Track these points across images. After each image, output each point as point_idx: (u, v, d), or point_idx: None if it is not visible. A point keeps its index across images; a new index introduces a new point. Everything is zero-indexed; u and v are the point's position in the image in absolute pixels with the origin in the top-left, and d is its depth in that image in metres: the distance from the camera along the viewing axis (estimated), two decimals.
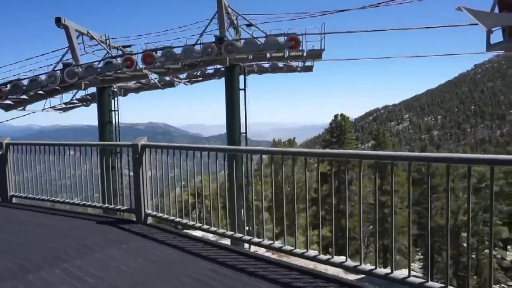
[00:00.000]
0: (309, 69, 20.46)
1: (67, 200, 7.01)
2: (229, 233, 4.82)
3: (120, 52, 18.48)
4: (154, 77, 19.39)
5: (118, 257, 4.36)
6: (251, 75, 22.16)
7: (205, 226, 5.07)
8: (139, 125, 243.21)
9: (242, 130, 18.39)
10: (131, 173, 6.16)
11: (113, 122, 19.32)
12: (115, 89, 19.77)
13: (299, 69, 20.39)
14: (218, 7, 16.06)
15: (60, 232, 5.54)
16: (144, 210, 5.89)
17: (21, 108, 17.99)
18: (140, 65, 15.82)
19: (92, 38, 18.36)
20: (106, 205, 6.60)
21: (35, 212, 6.91)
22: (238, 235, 4.71)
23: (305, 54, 15.93)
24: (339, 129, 44.82)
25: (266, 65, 20.48)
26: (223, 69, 21.66)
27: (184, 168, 5.32)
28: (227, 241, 5.56)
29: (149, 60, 15.42)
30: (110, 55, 18.29)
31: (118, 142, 7.18)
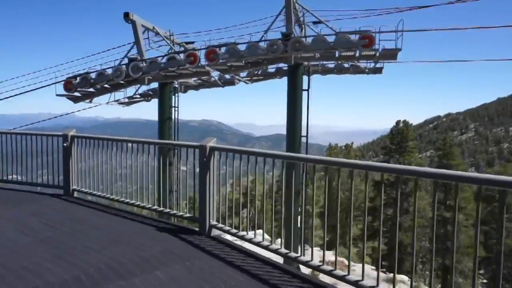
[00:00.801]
0: (378, 71, 18.98)
1: (127, 201, 6.58)
2: (284, 251, 4.35)
3: (182, 49, 18.42)
4: (215, 74, 19.11)
5: (181, 278, 3.80)
6: (313, 76, 21.16)
7: (265, 243, 4.52)
8: (193, 122, 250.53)
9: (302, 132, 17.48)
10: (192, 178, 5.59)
11: (173, 118, 19.30)
12: (176, 86, 19.76)
13: (367, 70, 18.99)
14: (286, 2, 15.24)
15: (118, 237, 5.05)
16: (209, 221, 5.21)
17: (88, 101, 18.54)
18: (203, 61, 15.48)
19: (157, 33, 18.44)
20: (167, 210, 6.03)
21: (95, 210, 6.57)
22: (293, 254, 4.24)
23: (377, 54, 14.62)
24: (400, 136, 42.09)
25: (331, 65, 19.31)
26: (285, 68, 20.91)
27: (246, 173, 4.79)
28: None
29: (212, 57, 15.02)
30: (173, 51, 18.26)
31: (185, 142, 6.42)
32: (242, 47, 15.13)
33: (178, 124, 19.86)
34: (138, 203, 6.36)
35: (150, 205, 6.28)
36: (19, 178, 8.29)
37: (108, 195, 6.88)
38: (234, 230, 4.93)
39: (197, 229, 5.34)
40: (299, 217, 17.14)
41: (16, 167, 8.35)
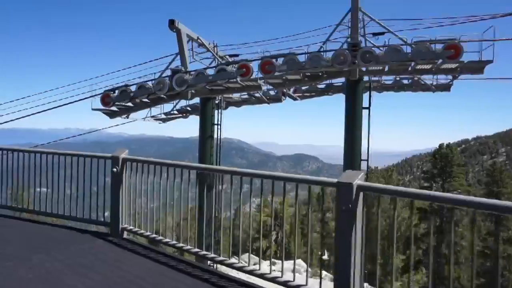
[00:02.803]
0: (447, 88, 16.80)
1: (189, 248, 4.92)
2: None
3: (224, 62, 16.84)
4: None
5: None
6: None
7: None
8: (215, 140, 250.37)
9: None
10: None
11: (215, 136, 17.58)
12: (218, 101, 18.16)
13: (433, 88, 16.84)
14: (352, 8, 13.44)
15: None
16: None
17: (125, 116, 17.08)
18: (255, 74, 13.75)
19: (201, 44, 16.96)
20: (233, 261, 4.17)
21: (155, 263, 4.76)
22: None
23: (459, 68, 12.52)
24: (444, 161, 39.11)
25: (389, 81, 17.28)
26: (337, 84, 19.02)
27: None
28: None
29: (267, 68, 13.26)
30: (219, 63, 16.70)
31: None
32: (301, 59, 13.34)
33: (219, 143, 18.10)
34: (198, 251, 4.90)
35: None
36: (54, 209, 6.51)
37: (169, 240, 5.26)
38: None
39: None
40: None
41: (52, 194, 6.61)
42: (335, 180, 3.68)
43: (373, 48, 12.56)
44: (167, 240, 5.28)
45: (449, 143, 40.52)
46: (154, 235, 5.42)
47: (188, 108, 20.54)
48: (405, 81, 18.33)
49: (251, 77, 13.71)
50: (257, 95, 18.43)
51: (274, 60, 13.34)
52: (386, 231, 35.96)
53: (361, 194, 3.52)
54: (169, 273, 4.37)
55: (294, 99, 18.71)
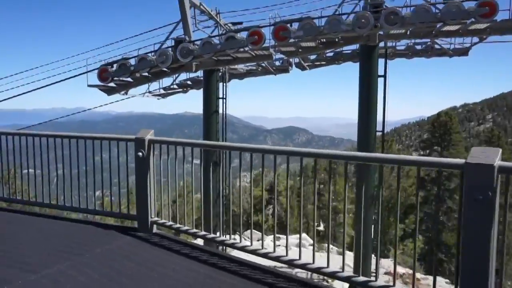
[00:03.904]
0: (464, 52, 15.93)
1: (221, 239, 4.41)
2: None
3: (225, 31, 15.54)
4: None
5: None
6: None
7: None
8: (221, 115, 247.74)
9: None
10: None
11: (220, 112, 16.55)
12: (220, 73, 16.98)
13: (451, 52, 15.94)
14: None
15: None
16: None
17: (123, 92, 15.85)
18: (268, 42, 12.60)
19: (203, 11, 15.61)
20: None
21: (189, 260, 4.04)
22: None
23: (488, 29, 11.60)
24: (443, 129, 38.83)
25: (418, 46, 16.30)
26: (347, 52, 17.99)
27: None
28: None
29: (281, 35, 12.12)
30: (224, 31, 15.44)
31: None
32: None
33: (225, 118, 17.08)
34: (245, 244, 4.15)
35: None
36: (75, 202, 5.59)
37: (193, 230, 4.63)
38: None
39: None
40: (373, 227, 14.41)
41: (63, 183, 5.68)
42: (461, 160, 2.83)
43: (397, 9, 11.47)
44: (204, 233, 4.54)
45: (448, 111, 40.15)
46: (189, 228, 4.63)
47: (189, 82, 19.34)
48: (418, 47, 17.42)
49: (263, 45, 12.57)
50: (263, 65, 17.30)
51: (288, 25, 12.20)
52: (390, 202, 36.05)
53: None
54: (222, 276, 3.61)
55: (303, 69, 17.63)
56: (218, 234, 4.48)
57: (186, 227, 4.69)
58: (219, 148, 4.40)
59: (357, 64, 14.62)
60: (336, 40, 12.99)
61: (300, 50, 13.53)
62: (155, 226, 4.99)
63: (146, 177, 4.93)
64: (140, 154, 4.87)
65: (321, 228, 41.00)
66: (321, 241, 37.14)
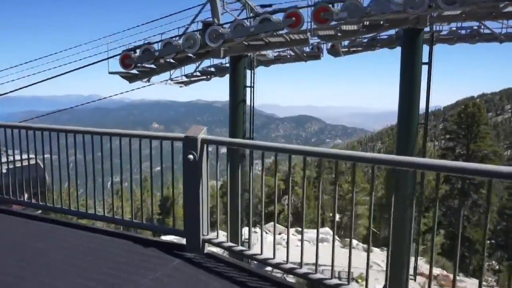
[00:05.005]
0: None
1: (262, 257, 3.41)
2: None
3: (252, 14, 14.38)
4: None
5: None
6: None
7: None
8: (217, 103, 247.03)
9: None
10: None
11: (248, 101, 15.50)
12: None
13: (502, 37, 14.48)
14: None
15: None
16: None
17: (145, 80, 14.91)
18: (306, 24, 11.41)
19: None
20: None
21: None
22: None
23: None
24: (470, 120, 37.08)
25: (463, 31, 14.89)
26: (383, 37, 16.66)
27: None
28: None
29: (323, 17, 10.92)
30: (249, 15, 14.30)
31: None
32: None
33: (253, 108, 16.04)
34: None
35: None
36: (109, 211, 4.67)
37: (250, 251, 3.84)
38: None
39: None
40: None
41: (94, 190, 4.73)
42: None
43: None
44: (263, 257, 3.63)
45: (476, 102, 38.29)
46: (244, 249, 3.88)
47: (212, 69, 18.30)
48: (462, 31, 16.00)
49: (301, 28, 11.39)
50: (293, 51, 16.11)
51: (330, 6, 10.98)
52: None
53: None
54: None
55: (337, 55, 16.37)
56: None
57: (240, 247, 3.87)
58: (283, 151, 3.44)
59: (381, 51, 13.43)
60: (381, 23, 11.74)
61: (339, 34, 12.32)
62: (206, 245, 4.05)
63: (198, 185, 3.96)
64: (191, 157, 3.89)
65: (337, 218, 40.21)
66: (338, 232, 36.33)
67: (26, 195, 4.93)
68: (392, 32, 15.92)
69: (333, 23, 11.10)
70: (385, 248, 25.80)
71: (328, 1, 11.11)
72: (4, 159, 4.81)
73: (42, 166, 5.25)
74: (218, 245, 3.99)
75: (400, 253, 13.25)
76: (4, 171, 4.77)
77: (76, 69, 14.29)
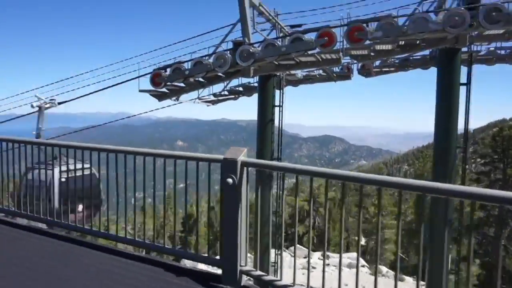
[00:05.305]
0: None
1: None
2: None
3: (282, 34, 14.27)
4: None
5: None
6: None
7: None
8: (241, 122, 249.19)
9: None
10: None
11: (277, 122, 15.26)
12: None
13: None
14: None
15: None
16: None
17: (174, 98, 14.99)
18: (339, 44, 11.16)
19: (261, 12, 14.46)
20: None
21: None
22: None
23: None
24: (506, 143, 35.36)
25: (503, 51, 14.29)
26: (415, 58, 16.19)
27: None
28: None
29: (357, 36, 10.66)
30: (282, 34, 14.23)
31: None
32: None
33: (281, 128, 15.78)
34: None
35: None
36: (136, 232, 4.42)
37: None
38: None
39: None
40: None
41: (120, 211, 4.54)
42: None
43: (501, 4, 9.68)
44: None
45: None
46: (288, 285, 3.36)
47: (240, 89, 18.27)
48: (501, 52, 15.34)
49: (334, 48, 11.16)
50: (322, 71, 15.87)
51: (365, 25, 10.72)
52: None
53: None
54: None
55: (368, 75, 16.01)
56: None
57: (281, 282, 3.44)
58: (334, 177, 3.16)
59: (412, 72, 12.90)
60: (417, 42, 11.35)
61: (372, 54, 11.99)
62: (244, 276, 3.71)
63: (236, 210, 3.66)
64: (230, 180, 3.62)
65: (363, 242, 38.72)
66: (363, 257, 34.92)
67: (80, 207, 4.88)
68: (425, 52, 15.46)
69: (367, 42, 10.81)
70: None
71: (362, 20, 10.87)
72: (64, 168, 4.81)
73: (97, 176, 5.17)
74: (258, 278, 3.65)
75: (435, 284, 12.43)
76: (63, 179, 4.78)
77: (108, 87, 14.57)
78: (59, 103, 12.26)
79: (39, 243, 4.64)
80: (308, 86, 18.36)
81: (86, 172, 4.55)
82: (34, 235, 4.86)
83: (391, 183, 2.85)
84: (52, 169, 4.68)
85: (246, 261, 3.76)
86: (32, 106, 11.97)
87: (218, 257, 3.91)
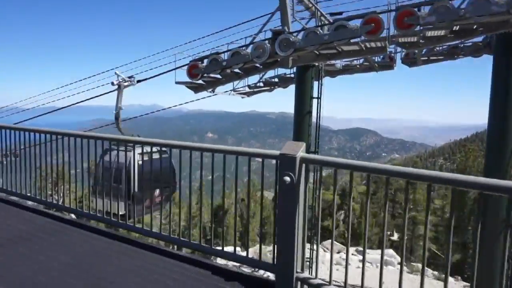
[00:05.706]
0: None
1: None
2: None
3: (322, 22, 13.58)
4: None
5: None
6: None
7: None
8: (270, 114, 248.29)
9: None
10: None
11: (315, 113, 14.69)
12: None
13: None
14: None
15: None
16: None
17: (210, 90, 14.74)
18: (385, 31, 10.41)
19: (300, 1, 13.87)
20: None
21: None
22: None
23: None
24: None
25: None
26: (467, 44, 15.05)
27: None
28: None
29: (407, 22, 9.88)
30: (319, 23, 13.60)
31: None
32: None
33: (319, 121, 15.18)
34: None
35: None
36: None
37: None
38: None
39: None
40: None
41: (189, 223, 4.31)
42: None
43: None
44: None
45: None
46: None
47: (276, 80, 17.79)
48: None
49: (380, 35, 10.42)
50: (364, 61, 15.07)
51: (416, 9, 9.92)
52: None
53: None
54: None
55: (412, 64, 15.05)
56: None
57: None
58: (394, 174, 2.76)
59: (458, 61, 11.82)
60: (474, 27, 10.40)
61: (421, 41, 11.13)
62: (299, 284, 3.33)
63: (294, 212, 3.29)
64: (288, 179, 3.25)
65: (395, 238, 37.45)
66: (398, 254, 33.74)
67: (157, 192, 4.92)
68: (478, 39, 14.32)
69: (418, 28, 9.99)
70: (458, 277, 23.29)
71: (413, 4, 10.06)
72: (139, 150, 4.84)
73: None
74: (317, 286, 3.25)
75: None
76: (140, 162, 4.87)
77: (145, 79, 14.45)
78: (138, 81, 12.03)
79: (87, 239, 4.48)
80: (343, 77, 17.59)
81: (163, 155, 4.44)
82: (80, 230, 4.73)
83: (420, 176, 2.71)
84: (133, 150, 4.52)
85: (302, 267, 3.40)
86: (112, 84, 11.77)
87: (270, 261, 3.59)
